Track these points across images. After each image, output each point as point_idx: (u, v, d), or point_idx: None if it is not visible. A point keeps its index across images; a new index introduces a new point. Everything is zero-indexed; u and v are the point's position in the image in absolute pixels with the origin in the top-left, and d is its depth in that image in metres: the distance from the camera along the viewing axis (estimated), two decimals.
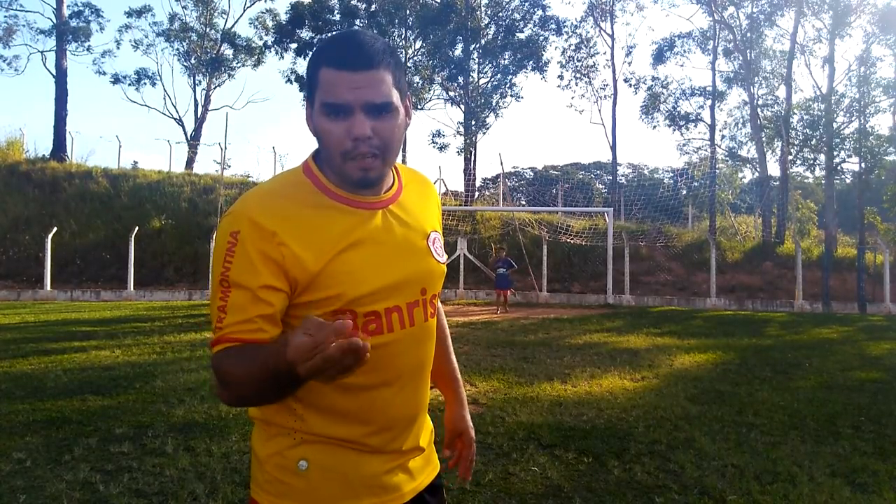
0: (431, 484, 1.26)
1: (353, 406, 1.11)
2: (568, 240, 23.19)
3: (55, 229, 20.64)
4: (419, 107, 29.84)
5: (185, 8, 35.55)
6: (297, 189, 1.10)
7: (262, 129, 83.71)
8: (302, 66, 31.17)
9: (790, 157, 26.88)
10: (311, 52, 1.11)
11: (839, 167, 26.55)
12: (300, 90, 32.58)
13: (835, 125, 25.54)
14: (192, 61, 35.61)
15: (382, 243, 1.11)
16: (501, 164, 27.72)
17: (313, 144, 1.14)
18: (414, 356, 1.18)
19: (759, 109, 28.47)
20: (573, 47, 32.59)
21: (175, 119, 37.07)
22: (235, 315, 1.02)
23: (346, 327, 0.80)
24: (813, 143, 26.27)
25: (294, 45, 32.13)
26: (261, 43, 35.46)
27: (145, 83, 35.66)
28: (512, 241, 22.24)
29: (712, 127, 29.83)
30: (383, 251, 1.11)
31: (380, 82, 1.04)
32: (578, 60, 32.74)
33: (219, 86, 36.75)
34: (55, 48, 31.38)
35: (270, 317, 1.03)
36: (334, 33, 1.12)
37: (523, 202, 39.14)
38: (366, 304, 1.08)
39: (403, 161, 9.41)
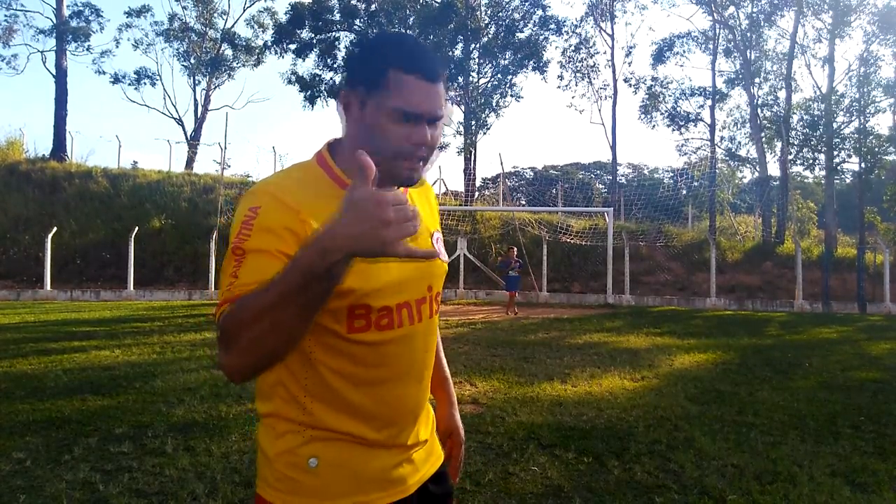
0: (435, 473, 1.28)
1: (362, 400, 1.12)
2: (568, 240, 23.20)
3: (55, 229, 20.65)
4: None
5: (184, 8, 35.61)
6: (314, 179, 1.11)
7: (262, 129, 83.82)
8: (302, 66, 31.18)
9: (790, 157, 26.88)
10: (369, 44, 1.10)
11: (839, 167, 26.56)
12: (300, 91, 32.56)
13: (835, 125, 25.54)
14: (192, 61, 35.64)
15: None
16: (501, 163, 27.76)
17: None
18: (421, 351, 1.20)
19: (759, 109, 28.47)
20: (573, 47, 32.62)
21: (175, 119, 37.15)
22: (248, 276, 0.98)
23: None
24: (813, 142, 26.28)
25: (294, 46, 32.12)
26: (260, 42, 35.50)
27: (145, 83, 35.75)
28: (512, 241, 22.22)
29: (712, 127, 29.84)
30: None
31: (441, 95, 1.08)
32: (578, 60, 32.76)
33: (218, 86, 36.81)
34: (55, 48, 31.40)
35: None
36: (396, 34, 1.13)
37: (523, 202, 39.14)
38: (379, 299, 1.09)
39: None
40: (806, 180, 35.69)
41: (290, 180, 1.10)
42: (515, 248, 17.59)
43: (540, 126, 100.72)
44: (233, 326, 0.92)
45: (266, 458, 1.15)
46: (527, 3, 31.24)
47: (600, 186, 45.34)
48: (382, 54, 1.06)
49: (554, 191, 31.14)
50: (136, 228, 20.48)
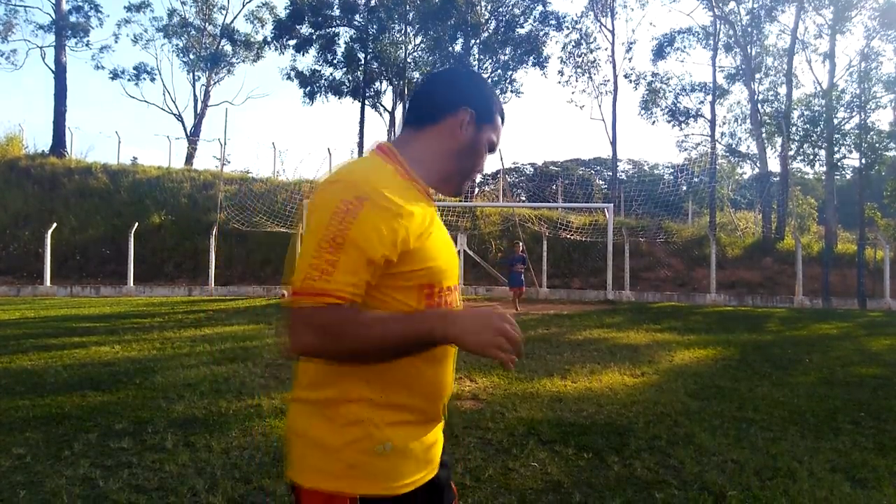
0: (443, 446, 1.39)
1: (431, 374, 1.24)
2: (568, 236, 23.18)
3: (55, 225, 20.63)
4: None
5: (183, 3, 35.53)
6: (392, 174, 1.23)
7: (262, 124, 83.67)
8: (302, 62, 31.09)
9: (790, 153, 26.84)
10: (486, 86, 1.38)
11: (839, 163, 26.48)
12: (300, 87, 32.56)
13: (835, 121, 25.48)
14: (191, 57, 35.56)
15: (443, 231, 1.32)
16: (501, 159, 27.59)
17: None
18: None
19: (759, 105, 28.41)
20: (573, 43, 32.55)
21: (174, 115, 37.16)
22: (347, 276, 1.10)
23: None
24: (813, 138, 26.22)
25: (293, 42, 32.04)
26: (259, 38, 35.42)
27: (144, 78, 35.72)
28: (512, 237, 22.22)
29: (712, 122, 29.78)
30: (445, 237, 1.31)
31: None
32: (579, 56, 32.69)
33: (218, 82, 36.75)
34: (54, 43, 31.31)
35: (367, 285, 1.14)
36: (491, 85, 1.44)
37: (523, 198, 39.08)
38: (444, 280, 1.26)
39: None
40: (806, 176, 35.62)
41: (382, 174, 1.20)
42: (521, 244, 16.97)
43: (540, 122, 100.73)
44: (337, 329, 1.08)
45: (323, 448, 1.16)
46: None
47: (600, 182, 45.30)
48: (496, 101, 1.37)
49: (554, 187, 31.10)
50: (136, 224, 20.46)
